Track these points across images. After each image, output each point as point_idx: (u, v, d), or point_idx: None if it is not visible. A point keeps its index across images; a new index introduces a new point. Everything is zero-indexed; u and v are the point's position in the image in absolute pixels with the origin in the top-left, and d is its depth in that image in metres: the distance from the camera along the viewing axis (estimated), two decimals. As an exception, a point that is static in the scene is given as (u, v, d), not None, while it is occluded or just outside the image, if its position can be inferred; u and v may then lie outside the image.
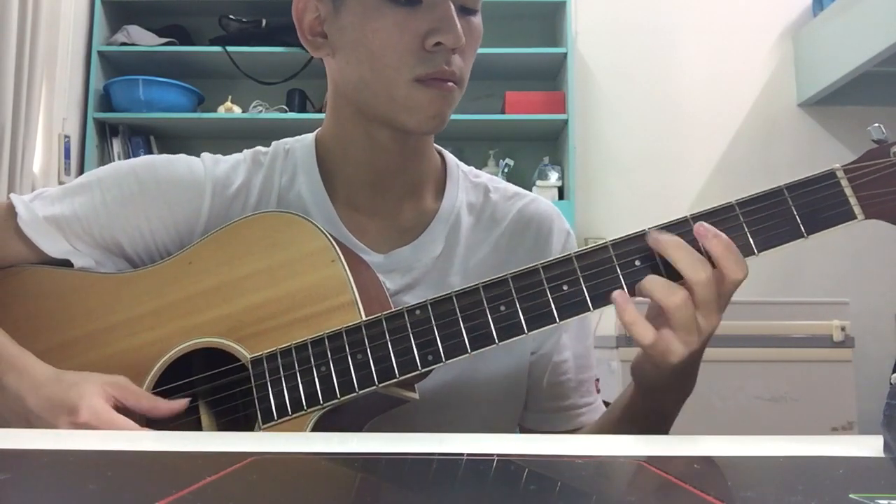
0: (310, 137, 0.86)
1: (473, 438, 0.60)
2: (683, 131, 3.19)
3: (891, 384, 0.46)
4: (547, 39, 3.19)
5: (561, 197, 2.98)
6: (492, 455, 0.48)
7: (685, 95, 3.22)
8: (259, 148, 0.86)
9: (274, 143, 0.86)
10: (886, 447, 0.46)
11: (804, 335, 2.07)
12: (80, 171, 2.90)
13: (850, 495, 0.33)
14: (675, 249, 0.61)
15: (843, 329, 2.06)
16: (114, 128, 3.05)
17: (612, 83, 3.25)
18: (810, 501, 0.33)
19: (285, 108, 3.06)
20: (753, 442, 0.53)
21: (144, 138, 3.11)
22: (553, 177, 2.99)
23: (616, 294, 0.61)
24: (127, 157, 3.04)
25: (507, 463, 0.46)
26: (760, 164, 3.12)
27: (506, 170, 3.04)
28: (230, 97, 3.05)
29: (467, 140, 3.15)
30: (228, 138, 3.22)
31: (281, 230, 0.73)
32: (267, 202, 0.82)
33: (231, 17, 3.08)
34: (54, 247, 0.78)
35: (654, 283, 0.61)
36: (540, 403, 0.86)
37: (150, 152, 3.11)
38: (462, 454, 0.48)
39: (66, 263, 0.79)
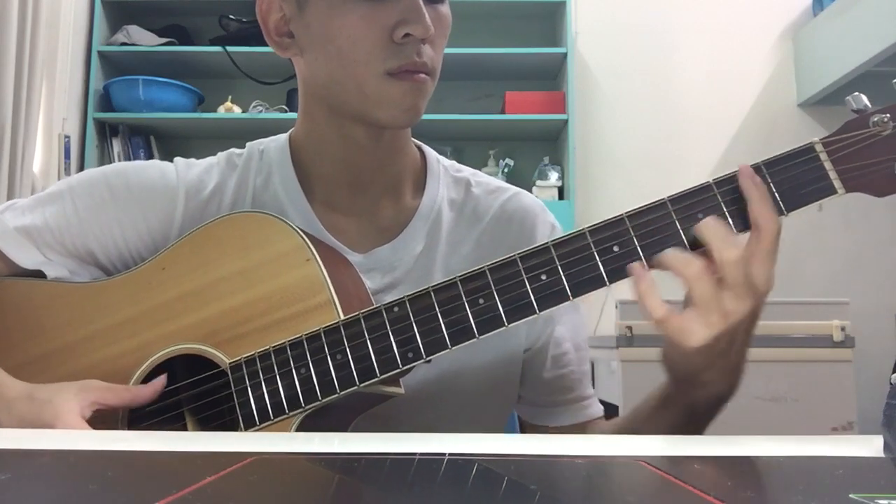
0: (283, 137, 0.85)
1: (475, 439, 0.60)
2: (683, 131, 3.19)
3: (891, 384, 0.46)
4: (547, 39, 3.19)
5: (561, 197, 2.98)
6: (491, 455, 0.48)
7: (685, 95, 3.22)
8: (233, 150, 0.85)
9: (248, 145, 0.85)
10: (886, 447, 0.46)
11: (804, 335, 2.07)
12: (80, 171, 2.90)
13: (850, 495, 0.33)
14: (705, 226, 0.60)
15: (843, 329, 2.06)
16: (114, 128, 3.05)
17: (612, 83, 3.25)
18: (810, 501, 0.33)
19: (285, 108, 3.06)
20: (753, 442, 0.53)
21: (144, 138, 3.11)
22: (553, 177, 2.99)
23: (634, 265, 0.60)
24: (127, 157, 3.05)
25: (507, 463, 0.46)
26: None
27: (506, 170, 3.04)
28: (230, 97, 3.05)
29: (467, 140, 3.15)
30: (228, 138, 3.20)
31: (254, 231, 0.72)
32: (242, 203, 0.80)
33: (231, 17, 3.08)
34: (27, 258, 0.77)
35: (669, 254, 0.60)
36: (543, 398, 0.85)
37: (150, 152, 3.11)
38: (463, 454, 0.48)
39: (40, 274, 0.78)
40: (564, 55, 3.00)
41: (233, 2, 3.09)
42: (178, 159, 0.83)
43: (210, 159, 0.84)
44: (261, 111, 3.04)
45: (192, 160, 0.83)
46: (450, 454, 0.47)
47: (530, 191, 0.91)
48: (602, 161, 3.19)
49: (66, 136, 2.79)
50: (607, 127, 3.22)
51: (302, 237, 0.70)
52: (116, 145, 3.04)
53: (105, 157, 3.02)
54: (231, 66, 3.03)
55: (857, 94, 0.61)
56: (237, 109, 3.04)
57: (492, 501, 0.35)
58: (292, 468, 0.44)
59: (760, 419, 1.96)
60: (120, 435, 0.66)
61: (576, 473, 0.42)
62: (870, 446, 0.48)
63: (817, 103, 3.12)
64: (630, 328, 2.06)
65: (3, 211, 0.79)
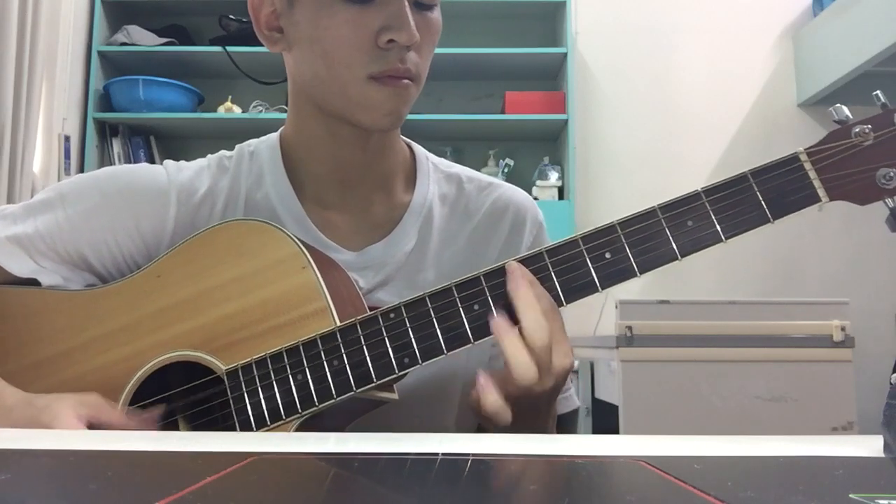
0: (273, 137, 0.85)
1: (472, 438, 0.60)
2: (683, 131, 3.19)
3: (891, 384, 0.46)
4: (547, 39, 3.19)
5: (561, 197, 2.98)
6: (490, 455, 0.48)
7: (685, 95, 3.22)
8: (223, 152, 0.85)
9: (237, 147, 0.85)
10: (886, 447, 0.46)
11: (804, 335, 2.07)
12: (80, 170, 2.90)
13: (850, 495, 0.33)
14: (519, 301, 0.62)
15: (843, 329, 2.06)
16: (114, 128, 3.06)
17: (612, 83, 3.25)
18: (810, 501, 0.33)
19: (285, 108, 3.04)
20: (753, 442, 0.53)
21: (144, 138, 3.11)
22: (553, 177, 2.99)
23: (493, 323, 0.63)
24: (127, 157, 3.05)
25: (507, 462, 0.46)
26: (760, 164, 3.11)
27: (506, 170, 3.04)
28: (230, 97, 3.06)
29: (467, 140, 3.15)
30: (228, 138, 3.19)
31: (249, 238, 0.72)
32: (235, 206, 0.80)
33: (231, 17, 3.08)
34: (20, 266, 0.76)
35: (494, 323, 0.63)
36: None
37: (150, 152, 3.11)
38: (462, 454, 0.48)
39: (34, 283, 0.77)
40: (564, 55, 3.00)
41: (233, 2, 3.09)
42: (168, 162, 0.82)
43: (200, 162, 0.83)
44: (261, 111, 3.04)
45: (182, 163, 0.83)
46: (447, 454, 0.47)
47: (530, 191, 0.91)
48: (602, 161, 3.19)
49: (66, 136, 2.79)
50: (607, 127, 3.22)
51: (298, 245, 0.70)
52: (116, 145, 3.04)
53: (105, 157, 3.02)
54: (231, 66, 3.03)
55: (838, 105, 0.64)
56: (237, 109, 3.04)
57: (491, 501, 0.35)
58: (292, 468, 0.44)
59: (760, 419, 1.96)
60: (120, 435, 0.66)
61: (576, 473, 0.42)
62: (870, 446, 0.48)
63: (817, 103, 3.13)
64: (630, 328, 2.05)
65: None
